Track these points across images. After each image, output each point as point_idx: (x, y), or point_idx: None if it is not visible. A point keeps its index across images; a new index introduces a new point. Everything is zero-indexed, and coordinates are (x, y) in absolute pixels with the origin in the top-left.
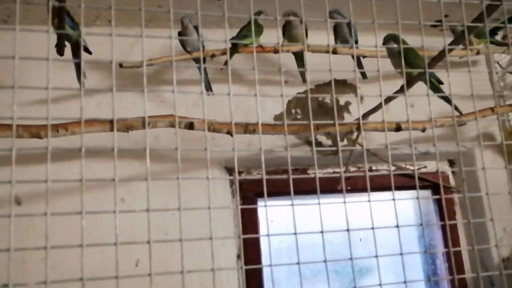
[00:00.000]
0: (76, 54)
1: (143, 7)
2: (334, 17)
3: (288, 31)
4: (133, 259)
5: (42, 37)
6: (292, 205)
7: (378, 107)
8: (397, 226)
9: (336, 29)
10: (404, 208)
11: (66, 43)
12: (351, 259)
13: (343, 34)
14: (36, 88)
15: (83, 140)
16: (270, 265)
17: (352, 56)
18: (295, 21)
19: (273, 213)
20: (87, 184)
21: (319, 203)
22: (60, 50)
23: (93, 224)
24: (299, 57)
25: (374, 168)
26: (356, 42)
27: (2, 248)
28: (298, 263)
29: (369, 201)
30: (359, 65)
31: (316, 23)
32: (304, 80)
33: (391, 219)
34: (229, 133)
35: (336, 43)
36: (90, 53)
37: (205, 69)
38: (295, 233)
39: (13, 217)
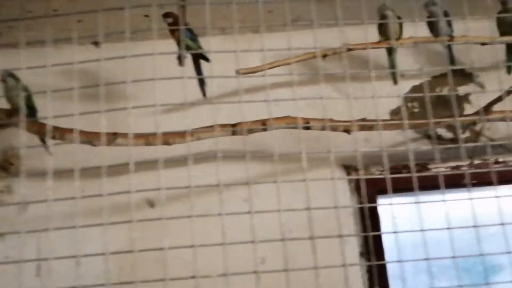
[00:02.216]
0: (196, 63)
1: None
2: (431, 10)
3: (383, 27)
4: (258, 257)
5: (162, 49)
6: (417, 202)
7: (503, 95)
8: None
9: (432, 21)
10: None
11: (187, 54)
12: (480, 255)
13: (438, 27)
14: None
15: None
16: (398, 261)
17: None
18: (390, 17)
19: (395, 209)
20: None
21: (444, 200)
22: (181, 61)
23: (219, 225)
24: (391, 55)
25: (501, 160)
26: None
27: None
28: (427, 259)
29: (496, 196)
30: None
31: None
32: (396, 81)
33: None
34: (346, 131)
35: (432, 35)
36: (208, 60)
37: None
38: (421, 230)
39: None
